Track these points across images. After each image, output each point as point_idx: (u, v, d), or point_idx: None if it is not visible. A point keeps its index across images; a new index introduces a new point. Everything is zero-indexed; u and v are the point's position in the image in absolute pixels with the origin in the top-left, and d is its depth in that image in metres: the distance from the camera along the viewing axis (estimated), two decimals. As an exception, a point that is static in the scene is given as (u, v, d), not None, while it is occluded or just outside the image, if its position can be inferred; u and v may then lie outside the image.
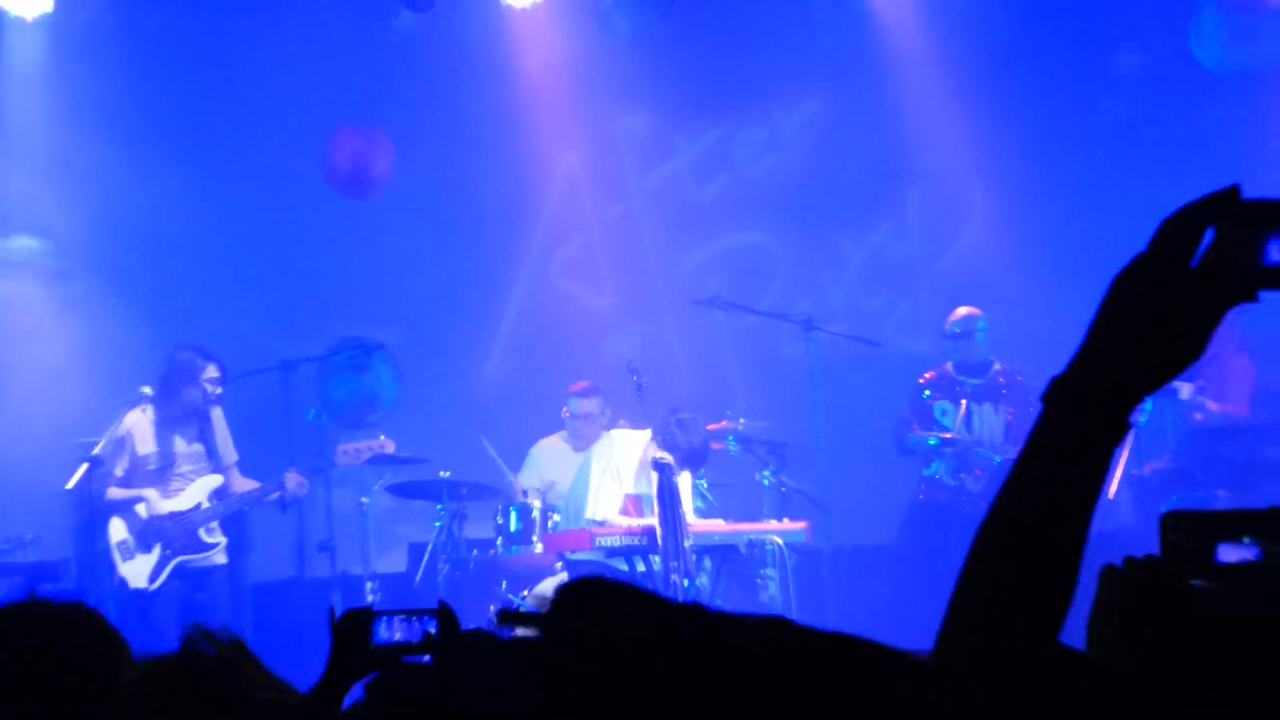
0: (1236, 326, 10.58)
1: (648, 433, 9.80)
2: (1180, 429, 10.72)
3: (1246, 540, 1.76)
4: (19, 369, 11.30)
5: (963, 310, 11.08)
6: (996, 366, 10.89)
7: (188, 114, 11.80)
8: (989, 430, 10.72)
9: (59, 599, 3.31)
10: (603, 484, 9.79)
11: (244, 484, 9.84)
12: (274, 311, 11.91)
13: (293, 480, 9.71)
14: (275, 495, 9.75)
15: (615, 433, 10.13)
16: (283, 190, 11.86)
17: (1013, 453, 10.47)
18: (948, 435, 10.64)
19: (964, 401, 10.83)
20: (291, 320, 11.80)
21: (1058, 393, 1.76)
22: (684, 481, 9.75)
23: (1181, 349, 1.73)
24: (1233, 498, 10.21)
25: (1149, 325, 1.73)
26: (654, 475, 9.58)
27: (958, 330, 10.87)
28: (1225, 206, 1.70)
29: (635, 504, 9.77)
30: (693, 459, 9.73)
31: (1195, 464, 10.36)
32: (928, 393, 10.92)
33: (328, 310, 11.98)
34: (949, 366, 10.96)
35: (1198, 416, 10.63)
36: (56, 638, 3.14)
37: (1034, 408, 8.74)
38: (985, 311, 11.21)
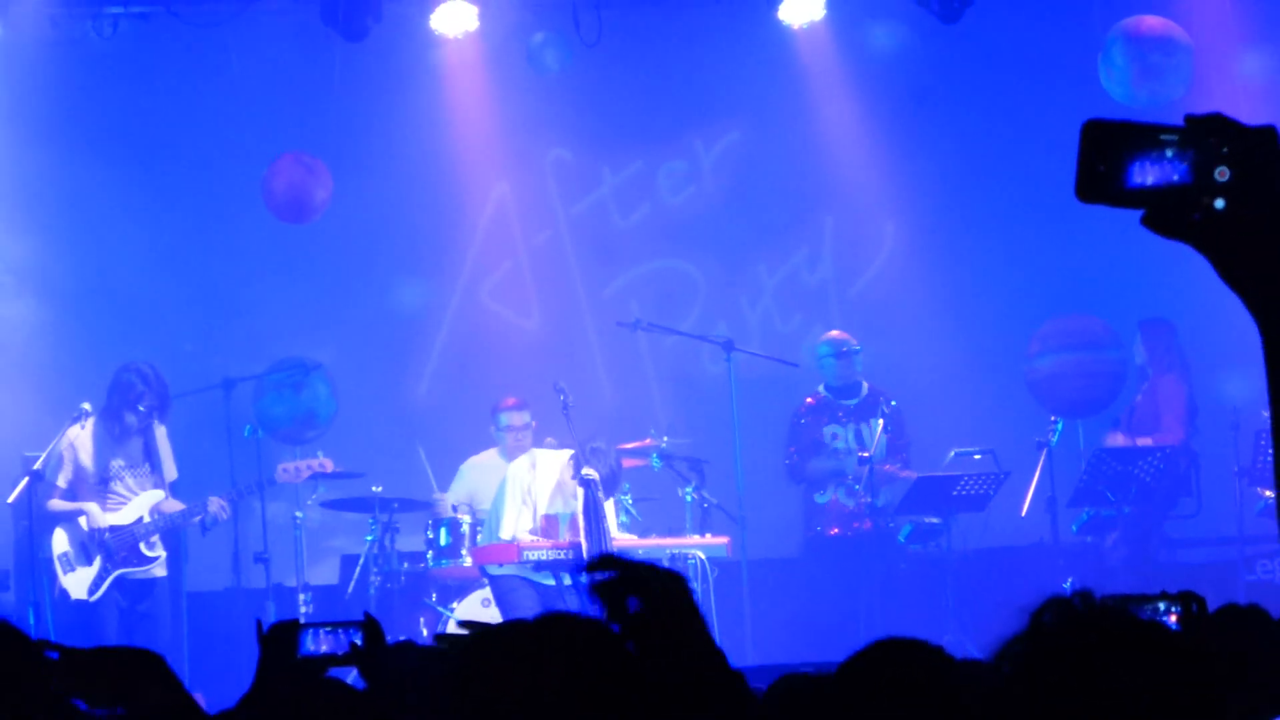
0: (1173, 345, 10.51)
1: (568, 454, 9.70)
2: (1091, 448, 10.67)
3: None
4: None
5: (836, 333, 11.05)
6: (866, 385, 10.83)
7: (133, 139, 11.66)
8: (878, 445, 10.57)
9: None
10: (519, 505, 9.70)
11: (172, 505, 9.73)
12: (216, 331, 11.77)
13: (214, 504, 9.66)
14: (198, 518, 9.71)
15: (537, 452, 10.03)
16: (225, 214, 11.73)
17: (899, 466, 10.53)
18: (865, 454, 10.49)
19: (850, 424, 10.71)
20: (233, 340, 11.66)
21: None
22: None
23: None
24: (1138, 514, 10.20)
25: None
26: (579, 491, 9.51)
27: (845, 349, 10.76)
28: None
29: (551, 524, 9.67)
30: (606, 486, 9.68)
31: (1105, 482, 10.27)
32: (804, 420, 10.76)
33: (268, 331, 11.84)
34: (822, 390, 10.82)
35: (1120, 439, 10.47)
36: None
37: (904, 424, 8.86)
38: (892, 339, 11.11)
